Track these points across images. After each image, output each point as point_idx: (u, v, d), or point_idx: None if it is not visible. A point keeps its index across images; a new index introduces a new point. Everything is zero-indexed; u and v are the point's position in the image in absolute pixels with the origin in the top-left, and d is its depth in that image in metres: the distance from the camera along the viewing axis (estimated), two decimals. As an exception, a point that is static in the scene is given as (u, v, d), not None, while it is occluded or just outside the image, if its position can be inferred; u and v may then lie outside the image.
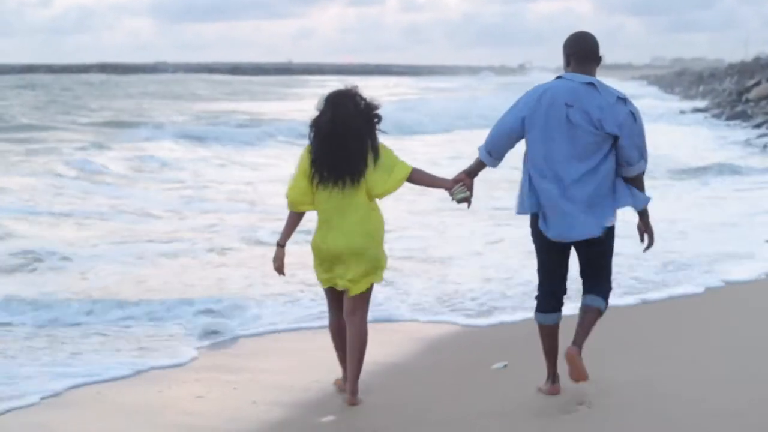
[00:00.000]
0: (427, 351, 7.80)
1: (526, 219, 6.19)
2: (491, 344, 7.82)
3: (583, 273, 6.16)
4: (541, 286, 6.21)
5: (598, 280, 6.12)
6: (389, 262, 6.50)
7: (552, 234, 5.94)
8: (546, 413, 5.99)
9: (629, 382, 6.47)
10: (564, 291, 6.21)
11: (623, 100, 5.88)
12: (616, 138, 5.79)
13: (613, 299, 6.68)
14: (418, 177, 6.26)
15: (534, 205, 5.96)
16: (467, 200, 6.27)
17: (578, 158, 5.82)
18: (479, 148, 6.19)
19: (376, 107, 6.20)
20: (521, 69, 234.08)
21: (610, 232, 6.00)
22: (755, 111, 35.40)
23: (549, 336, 6.21)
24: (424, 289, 9.83)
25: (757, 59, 60.53)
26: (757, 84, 42.09)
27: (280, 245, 6.38)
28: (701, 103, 47.36)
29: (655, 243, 6.26)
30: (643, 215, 6.14)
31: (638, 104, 6.33)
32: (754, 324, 8.13)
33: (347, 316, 6.31)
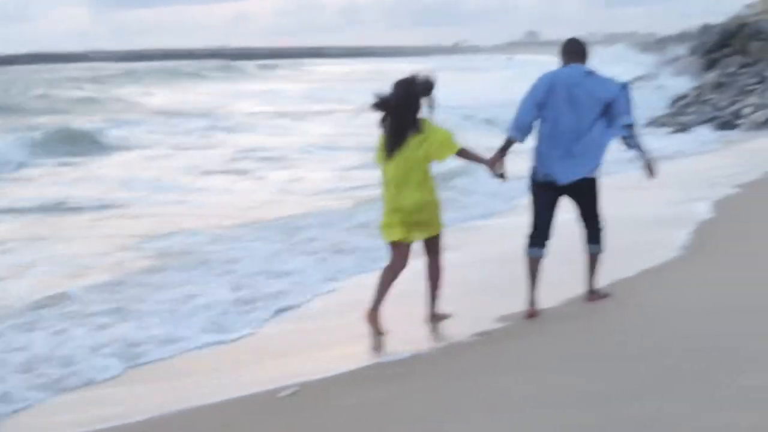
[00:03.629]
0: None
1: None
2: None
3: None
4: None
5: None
6: None
7: (562, 178, 7.85)
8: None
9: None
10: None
11: (611, 79, 8.05)
12: (609, 105, 7.84)
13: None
14: (464, 153, 7.66)
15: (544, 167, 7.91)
16: (503, 176, 7.86)
17: (580, 122, 7.81)
18: (509, 128, 7.90)
19: (430, 86, 7.52)
20: (456, 48, 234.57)
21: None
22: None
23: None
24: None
25: (683, 33, 60.78)
26: (677, 59, 42.48)
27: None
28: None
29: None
30: (644, 153, 8.09)
31: None
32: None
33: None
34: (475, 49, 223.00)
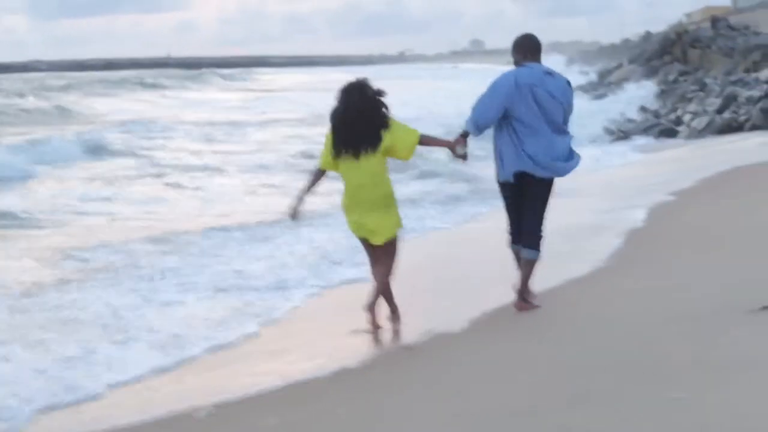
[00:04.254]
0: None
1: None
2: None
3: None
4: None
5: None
6: None
7: (544, 173, 8.02)
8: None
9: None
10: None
11: (569, 83, 8.27)
12: (566, 107, 8.08)
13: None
14: (425, 141, 8.05)
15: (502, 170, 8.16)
16: (465, 156, 8.15)
17: (546, 122, 7.98)
18: (466, 121, 8.10)
19: (382, 94, 7.96)
20: (401, 57, 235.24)
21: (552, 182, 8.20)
22: (616, 93, 35.86)
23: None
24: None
25: (626, 41, 61.45)
26: (619, 66, 42.75)
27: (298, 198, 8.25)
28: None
29: None
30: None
31: None
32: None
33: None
34: (420, 58, 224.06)
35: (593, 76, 48.07)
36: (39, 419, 6.77)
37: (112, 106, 49.15)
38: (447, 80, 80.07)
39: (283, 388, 6.97)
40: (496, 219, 12.74)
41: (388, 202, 8.13)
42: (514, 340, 7.47)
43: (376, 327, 8.23)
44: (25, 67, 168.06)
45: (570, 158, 8.18)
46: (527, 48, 8.22)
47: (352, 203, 8.11)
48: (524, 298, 8.31)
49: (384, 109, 7.99)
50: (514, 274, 8.51)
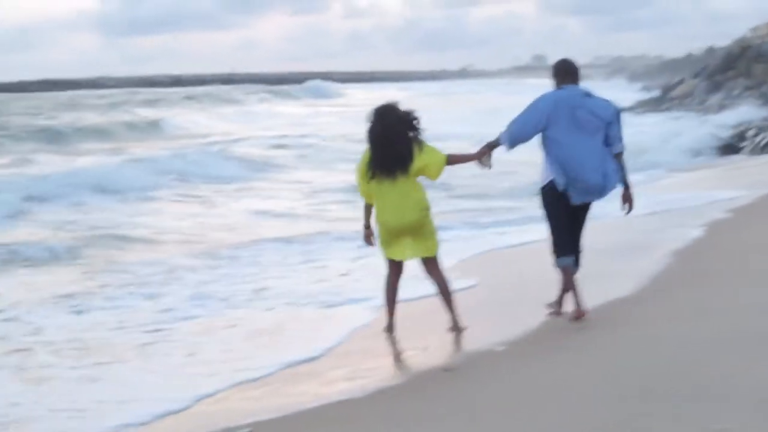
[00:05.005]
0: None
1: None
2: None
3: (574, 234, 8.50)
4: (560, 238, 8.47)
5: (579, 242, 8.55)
6: None
7: (576, 200, 8.27)
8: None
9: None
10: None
11: (609, 102, 8.46)
12: (609, 125, 8.23)
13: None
14: (453, 160, 8.31)
15: (561, 179, 8.22)
16: (490, 166, 8.44)
17: (590, 139, 8.18)
18: (501, 135, 8.35)
19: (415, 116, 8.17)
20: (463, 72, 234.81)
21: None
22: (680, 108, 35.47)
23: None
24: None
25: (689, 56, 60.87)
26: (681, 81, 42.28)
27: (366, 227, 8.55)
28: (629, 102, 47.53)
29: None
30: (627, 186, 8.50)
31: None
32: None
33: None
34: (482, 74, 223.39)
35: (656, 92, 47.61)
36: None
37: (211, 121, 49.53)
38: (509, 95, 79.84)
39: (320, 408, 6.90)
40: (530, 238, 12.77)
41: (424, 222, 8.30)
42: (556, 361, 7.35)
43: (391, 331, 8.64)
44: (95, 84, 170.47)
45: (614, 173, 8.33)
46: (566, 72, 8.52)
47: (392, 222, 8.27)
48: (579, 304, 8.51)
49: (416, 131, 8.20)
50: (549, 293, 8.67)
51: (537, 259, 8.91)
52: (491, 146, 8.43)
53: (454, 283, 8.85)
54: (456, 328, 8.60)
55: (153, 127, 45.04)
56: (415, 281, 9.12)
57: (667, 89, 44.43)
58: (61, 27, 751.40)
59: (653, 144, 27.33)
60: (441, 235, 8.80)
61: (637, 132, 30.00)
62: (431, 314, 9.01)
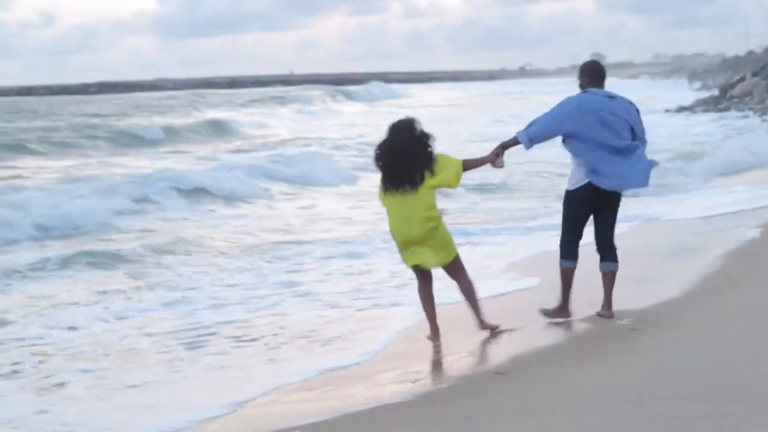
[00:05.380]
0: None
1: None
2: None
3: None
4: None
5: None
6: None
7: (607, 185, 8.47)
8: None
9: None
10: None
11: (630, 102, 8.74)
12: (633, 125, 8.51)
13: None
14: (468, 166, 8.42)
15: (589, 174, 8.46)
16: (503, 166, 8.68)
17: (621, 140, 8.43)
18: (520, 133, 8.58)
19: (428, 135, 8.32)
20: (522, 72, 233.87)
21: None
22: (739, 107, 35.02)
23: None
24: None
25: (749, 53, 60.07)
26: (742, 80, 41.72)
27: None
28: (689, 100, 47.07)
29: None
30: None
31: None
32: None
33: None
34: (541, 72, 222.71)
35: (715, 91, 47.10)
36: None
37: (291, 123, 49.75)
38: (566, 95, 79.31)
39: (370, 410, 6.94)
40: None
41: (432, 235, 8.38)
42: (605, 363, 7.35)
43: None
44: (153, 86, 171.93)
45: (642, 170, 8.60)
46: (593, 74, 8.78)
47: (399, 235, 8.45)
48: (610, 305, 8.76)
49: (428, 149, 8.32)
50: (599, 295, 8.68)
51: (590, 261, 8.83)
52: (505, 146, 8.64)
53: (510, 284, 8.85)
54: (485, 327, 8.73)
55: (226, 128, 45.25)
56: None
57: (725, 88, 43.90)
58: (119, 29, 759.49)
59: (711, 144, 27.05)
60: (494, 238, 8.79)
61: (694, 132, 29.75)
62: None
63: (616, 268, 8.77)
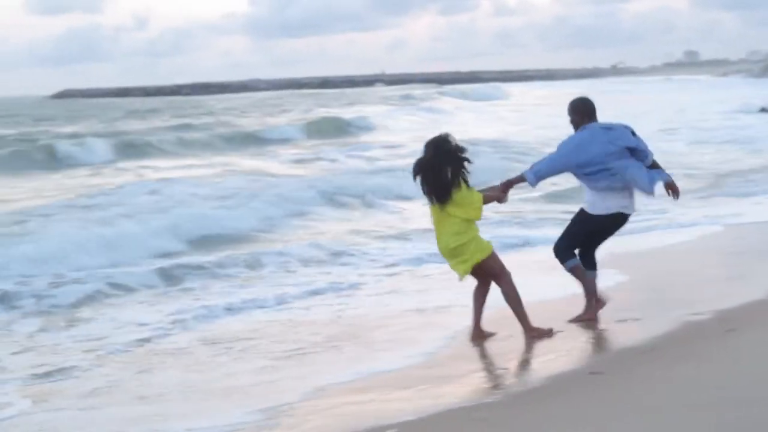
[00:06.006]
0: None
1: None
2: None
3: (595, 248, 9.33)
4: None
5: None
6: None
7: (630, 210, 9.08)
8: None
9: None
10: None
11: (626, 126, 9.19)
12: (632, 150, 8.98)
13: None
14: (485, 199, 8.75)
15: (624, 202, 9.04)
16: (506, 200, 9.17)
17: (626, 160, 8.83)
18: (525, 173, 9.07)
19: (463, 149, 8.60)
20: (614, 70, 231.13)
21: None
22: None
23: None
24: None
25: None
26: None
27: None
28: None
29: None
30: (668, 181, 9.12)
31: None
32: None
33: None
34: (633, 71, 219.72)
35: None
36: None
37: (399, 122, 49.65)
38: (659, 94, 78.46)
39: (463, 409, 6.91)
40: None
41: (455, 254, 8.73)
42: (699, 363, 7.26)
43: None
44: (245, 87, 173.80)
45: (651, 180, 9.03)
46: (585, 111, 9.18)
47: (438, 243, 8.85)
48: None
49: (461, 168, 8.60)
50: (695, 294, 8.99)
51: (684, 260, 8.75)
52: (511, 183, 9.07)
53: (604, 279, 8.81)
54: (478, 335, 8.99)
55: (353, 126, 45.94)
56: (559, 279, 9.22)
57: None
58: (210, 31, 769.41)
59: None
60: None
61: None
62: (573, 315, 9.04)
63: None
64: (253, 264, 13.55)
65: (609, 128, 9.05)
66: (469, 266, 8.72)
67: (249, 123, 47.29)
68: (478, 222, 8.71)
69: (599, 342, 8.53)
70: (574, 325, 9.11)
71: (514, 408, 6.79)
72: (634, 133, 9.11)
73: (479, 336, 8.99)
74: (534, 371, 8.00)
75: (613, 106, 43.70)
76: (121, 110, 70.94)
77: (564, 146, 9.10)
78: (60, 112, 76.70)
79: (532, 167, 9.13)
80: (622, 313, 9.14)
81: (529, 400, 6.96)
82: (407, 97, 73.55)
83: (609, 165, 8.86)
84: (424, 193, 8.70)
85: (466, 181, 8.61)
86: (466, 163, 8.61)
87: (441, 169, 8.54)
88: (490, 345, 8.86)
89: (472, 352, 8.71)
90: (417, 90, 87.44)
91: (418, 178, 8.67)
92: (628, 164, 8.89)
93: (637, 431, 5.82)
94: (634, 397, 6.59)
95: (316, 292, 11.63)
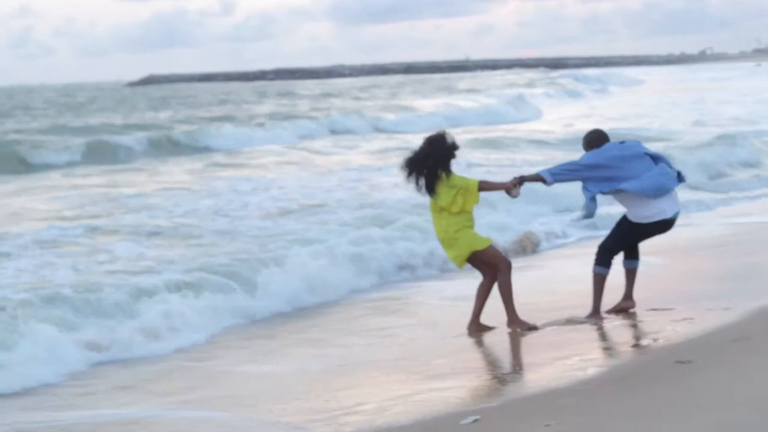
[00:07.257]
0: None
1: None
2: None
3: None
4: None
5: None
6: None
7: (669, 214, 8.96)
8: None
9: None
10: None
11: (639, 143, 9.33)
12: (653, 157, 9.12)
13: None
14: (484, 186, 9.00)
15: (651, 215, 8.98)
16: (517, 195, 9.16)
17: (654, 166, 8.97)
18: (543, 172, 9.08)
19: (456, 147, 8.95)
20: (702, 56, 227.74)
21: None
22: None
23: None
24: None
25: None
26: None
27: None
28: None
29: None
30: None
31: None
32: None
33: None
34: (722, 57, 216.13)
35: None
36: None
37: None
38: (748, 79, 77.05)
39: (546, 395, 6.83)
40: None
41: (450, 243, 8.99)
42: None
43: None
44: (330, 72, 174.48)
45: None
46: (599, 143, 9.20)
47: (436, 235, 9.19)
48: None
49: (444, 161, 8.87)
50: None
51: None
52: (525, 179, 9.13)
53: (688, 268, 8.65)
54: (476, 328, 9.19)
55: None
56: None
57: None
58: (296, 16, 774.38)
59: None
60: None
61: None
62: (659, 303, 9.08)
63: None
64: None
65: (622, 142, 9.23)
66: (462, 258, 9.01)
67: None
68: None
69: (687, 330, 8.32)
70: (656, 313, 9.03)
71: (599, 397, 6.66)
72: (643, 146, 9.23)
73: (477, 329, 9.16)
74: (619, 359, 7.86)
75: (690, 95, 42.33)
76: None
77: (583, 158, 9.16)
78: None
79: (554, 168, 9.22)
80: (708, 302, 8.92)
81: (614, 388, 6.82)
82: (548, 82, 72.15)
83: (624, 170, 8.87)
84: (417, 188, 8.95)
85: (446, 171, 8.85)
86: (452, 157, 8.93)
87: (431, 163, 8.83)
88: (572, 334, 8.77)
89: (556, 340, 8.60)
90: (529, 74, 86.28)
91: (407, 174, 8.95)
92: (643, 168, 8.91)
93: (726, 425, 5.62)
94: (723, 388, 6.39)
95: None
